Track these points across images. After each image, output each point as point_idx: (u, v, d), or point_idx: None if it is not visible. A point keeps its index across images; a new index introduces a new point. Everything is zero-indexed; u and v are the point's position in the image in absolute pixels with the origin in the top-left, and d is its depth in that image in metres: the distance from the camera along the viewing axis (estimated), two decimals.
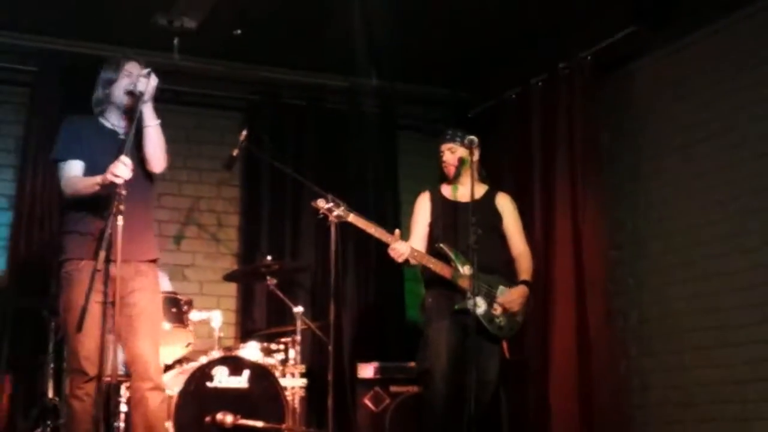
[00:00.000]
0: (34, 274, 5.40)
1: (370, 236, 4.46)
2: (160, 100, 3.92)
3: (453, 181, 4.67)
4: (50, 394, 4.81)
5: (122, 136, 3.85)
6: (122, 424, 4.48)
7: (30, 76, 5.73)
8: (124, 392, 4.54)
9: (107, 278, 3.60)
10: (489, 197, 4.69)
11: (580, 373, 5.12)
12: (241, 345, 5.06)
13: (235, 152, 5.03)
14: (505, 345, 4.56)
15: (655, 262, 5.19)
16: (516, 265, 4.64)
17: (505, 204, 4.72)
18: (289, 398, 4.80)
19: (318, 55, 5.95)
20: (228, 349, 4.99)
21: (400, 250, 4.39)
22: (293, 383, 4.92)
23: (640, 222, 5.33)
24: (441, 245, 4.52)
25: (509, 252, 4.67)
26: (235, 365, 4.68)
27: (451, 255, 4.48)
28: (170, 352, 4.90)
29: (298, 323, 4.98)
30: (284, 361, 4.97)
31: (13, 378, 5.28)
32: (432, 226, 4.66)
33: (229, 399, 4.58)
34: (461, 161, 4.60)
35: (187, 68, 5.79)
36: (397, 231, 4.45)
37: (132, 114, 3.79)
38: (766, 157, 4.59)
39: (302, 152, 6.24)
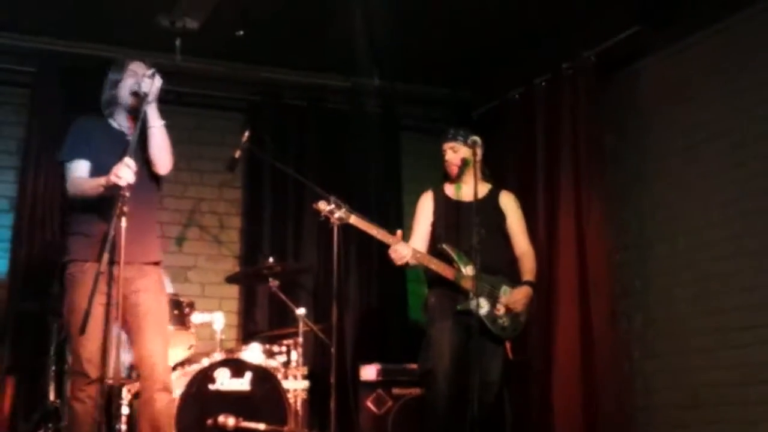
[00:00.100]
0: (36, 276, 5.38)
1: (372, 238, 4.45)
2: (162, 101, 3.90)
3: (456, 180, 4.66)
4: (51, 396, 4.81)
5: (130, 138, 3.84)
6: (124, 426, 4.47)
7: (31, 77, 5.72)
8: (125, 395, 4.53)
9: (111, 280, 3.59)
10: (492, 196, 4.68)
11: (583, 374, 5.10)
12: (243, 347, 5.04)
13: (237, 154, 5.02)
14: (508, 346, 4.55)
15: (659, 264, 5.18)
16: (519, 264, 4.63)
17: (508, 202, 4.71)
18: (291, 400, 4.79)
19: (319, 55, 5.95)
20: (230, 351, 4.98)
21: (401, 252, 4.38)
22: (295, 385, 4.91)
23: (645, 223, 5.31)
24: (443, 246, 4.51)
25: (513, 251, 4.66)
26: (237, 367, 4.67)
27: (454, 256, 4.47)
28: (172, 355, 4.87)
29: (301, 325, 4.97)
30: (286, 364, 4.96)
31: (15, 380, 5.28)
32: (434, 225, 4.65)
33: (230, 401, 4.57)
34: (464, 161, 4.59)
35: (189, 69, 5.79)
36: (398, 232, 4.43)
37: (137, 115, 3.77)
38: None
39: (304, 153, 6.23)
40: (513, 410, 5.14)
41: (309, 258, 6.03)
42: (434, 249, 4.57)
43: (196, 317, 4.96)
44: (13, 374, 5.28)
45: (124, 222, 3.48)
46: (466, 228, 4.37)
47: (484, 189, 4.58)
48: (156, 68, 3.81)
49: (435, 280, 4.51)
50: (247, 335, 5.82)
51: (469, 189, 4.48)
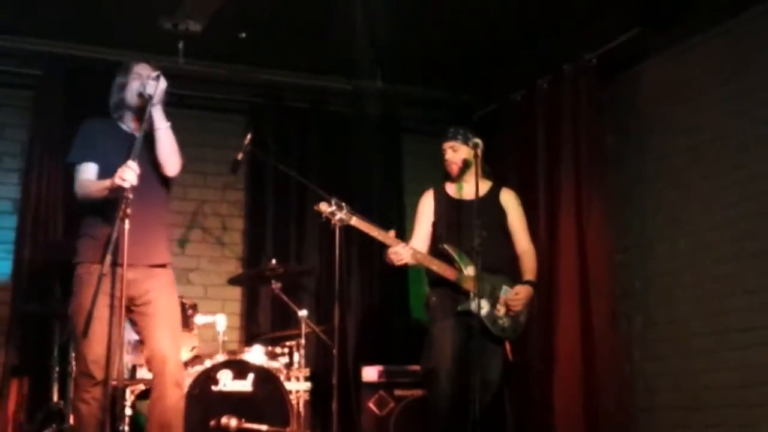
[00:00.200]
0: (39, 278, 5.41)
1: (374, 239, 4.46)
2: (165, 103, 3.92)
3: (457, 179, 4.67)
4: (55, 397, 4.82)
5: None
6: (127, 428, 4.49)
7: (34, 80, 5.74)
8: (128, 396, 4.55)
9: (116, 282, 3.60)
10: (493, 193, 4.68)
11: (584, 374, 5.11)
12: (246, 349, 5.06)
13: (240, 156, 5.03)
14: (508, 347, 4.55)
15: (660, 265, 5.18)
16: (520, 263, 4.63)
17: (509, 200, 4.71)
18: (294, 402, 4.80)
19: (321, 58, 5.96)
20: (232, 352, 4.99)
21: (400, 254, 4.37)
22: (298, 387, 4.93)
23: (646, 224, 5.32)
24: (445, 246, 4.52)
25: (514, 249, 4.67)
26: (240, 369, 4.68)
27: (455, 256, 4.47)
28: None
29: (303, 327, 4.99)
30: (289, 365, 4.98)
31: (19, 382, 5.29)
32: (435, 225, 4.66)
33: (233, 402, 4.58)
34: (465, 162, 4.60)
35: (192, 72, 5.80)
36: (392, 231, 4.43)
37: (142, 116, 3.79)
38: None
39: (306, 155, 6.25)
40: (514, 410, 5.14)
41: (311, 260, 6.04)
42: (436, 249, 4.58)
43: (199, 319, 4.97)
44: (17, 375, 5.29)
45: (127, 224, 3.50)
46: (468, 227, 4.37)
47: (484, 186, 4.57)
48: (161, 70, 3.83)
49: (436, 279, 4.52)
50: (249, 337, 5.83)
51: (470, 188, 4.48)
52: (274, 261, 5.22)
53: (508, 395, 4.98)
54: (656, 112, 5.31)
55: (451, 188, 4.71)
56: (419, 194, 4.83)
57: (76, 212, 3.93)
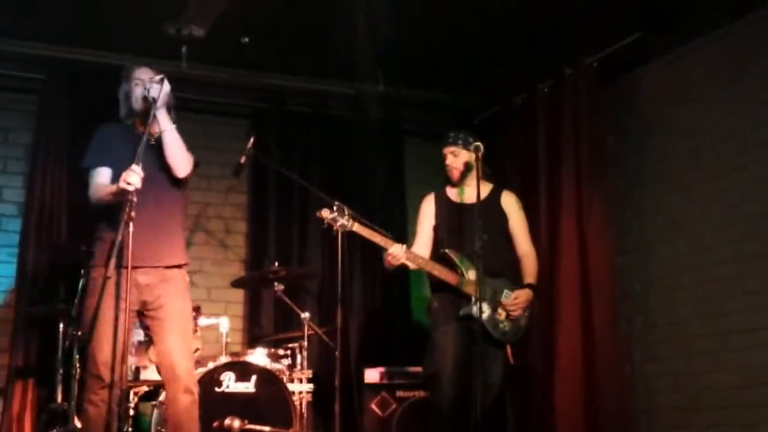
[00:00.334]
0: (43, 281, 5.44)
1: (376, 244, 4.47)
2: (172, 106, 3.96)
3: (458, 183, 4.69)
4: (59, 399, 4.84)
5: (153, 142, 3.88)
6: (130, 429, 4.52)
7: (39, 84, 5.77)
8: (132, 397, 4.58)
9: (127, 285, 3.63)
10: (494, 196, 4.69)
11: (584, 375, 5.12)
12: (249, 350, 5.08)
13: (243, 159, 5.05)
14: (509, 350, 4.55)
15: (661, 267, 5.20)
16: (521, 266, 4.65)
17: (510, 203, 4.72)
18: (297, 403, 4.82)
19: (322, 61, 5.98)
20: (235, 354, 5.02)
21: (397, 254, 4.37)
22: (300, 388, 4.95)
23: (646, 226, 5.34)
24: (446, 251, 4.53)
25: (515, 252, 4.68)
26: (243, 370, 4.71)
27: (457, 261, 4.49)
28: None
29: (306, 329, 5.00)
30: (291, 367, 5.00)
31: (23, 384, 5.32)
32: (437, 229, 4.68)
33: (236, 404, 4.61)
34: (467, 165, 4.62)
35: (195, 76, 5.82)
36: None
37: (146, 119, 3.82)
38: None
39: (308, 159, 6.27)
40: (515, 412, 5.17)
41: (314, 262, 6.07)
42: (437, 253, 4.60)
43: (202, 321, 5.00)
44: (22, 377, 5.32)
45: (131, 227, 3.52)
46: (469, 231, 4.39)
47: (485, 190, 4.59)
48: (163, 73, 3.86)
49: (438, 284, 4.54)
50: (252, 339, 5.86)
51: (471, 191, 4.49)
52: (276, 263, 5.24)
53: (509, 397, 5.00)
54: (656, 115, 5.32)
55: (452, 192, 4.73)
56: (421, 196, 4.85)
57: (91, 217, 3.95)
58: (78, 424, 4.40)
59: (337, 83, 6.32)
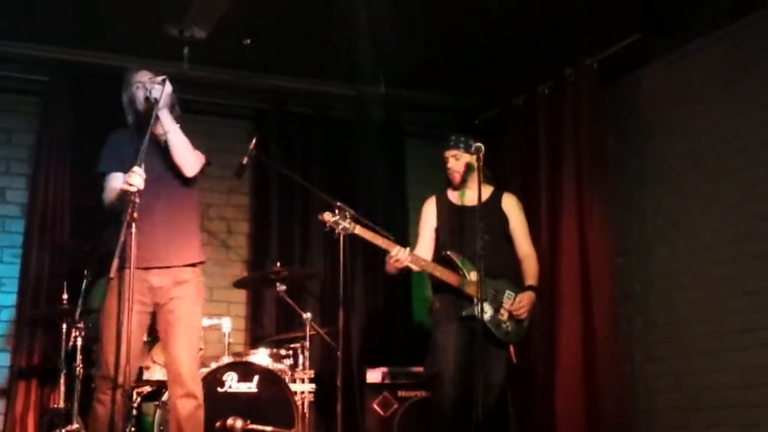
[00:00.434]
0: (46, 282, 5.45)
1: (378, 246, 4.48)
2: (177, 107, 3.98)
3: (460, 186, 4.71)
4: (62, 401, 4.85)
5: (162, 144, 3.90)
6: (133, 429, 4.54)
7: (42, 86, 5.79)
8: (135, 398, 4.60)
9: (141, 287, 3.65)
10: (495, 199, 4.71)
11: (585, 376, 5.14)
12: (251, 351, 5.10)
13: (245, 160, 5.07)
14: (512, 350, 4.57)
15: (661, 268, 5.21)
16: (522, 267, 4.66)
17: (511, 205, 4.74)
18: (299, 403, 4.84)
19: (324, 63, 5.99)
20: (238, 354, 5.04)
21: (399, 258, 4.39)
22: (302, 388, 4.96)
23: (646, 227, 5.35)
24: (448, 253, 4.55)
25: (516, 254, 4.70)
26: (245, 371, 4.73)
27: (458, 262, 4.50)
28: None
29: (308, 329, 5.02)
30: (293, 367, 5.01)
31: (26, 385, 5.33)
32: (438, 231, 4.69)
33: (239, 404, 4.63)
34: (468, 168, 4.63)
35: (196, 77, 5.84)
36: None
37: (148, 120, 3.83)
38: None
39: (310, 160, 6.29)
40: (516, 412, 5.18)
41: (315, 262, 6.08)
42: (439, 255, 4.61)
43: (205, 321, 4.99)
44: (25, 378, 5.34)
45: (134, 228, 3.53)
46: (470, 233, 4.41)
47: (486, 192, 4.60)
48: (165, 75, 3.88)
49: (440, 285, 4.55)
50: (254, 339, 5.87)
51: (472, 194, 4.51)
52: (278, 264, 5.26)
53: (510, 397, 5.02)
54: (657, 116, 5.34)
55: (453, 195, 4.74)
56: (422, 198, 4.87)
57: (100, 219, 3.98)
58: (78, 425, 4.45)
59: (338, 84, 6.34)
